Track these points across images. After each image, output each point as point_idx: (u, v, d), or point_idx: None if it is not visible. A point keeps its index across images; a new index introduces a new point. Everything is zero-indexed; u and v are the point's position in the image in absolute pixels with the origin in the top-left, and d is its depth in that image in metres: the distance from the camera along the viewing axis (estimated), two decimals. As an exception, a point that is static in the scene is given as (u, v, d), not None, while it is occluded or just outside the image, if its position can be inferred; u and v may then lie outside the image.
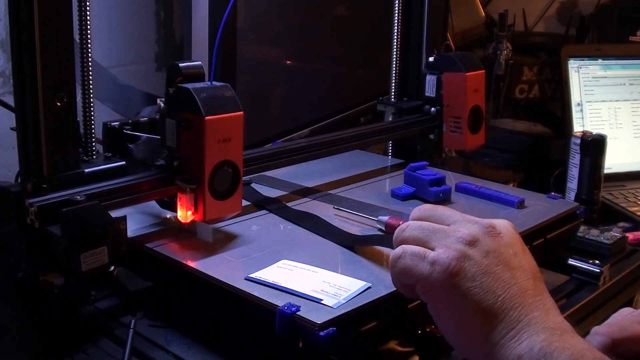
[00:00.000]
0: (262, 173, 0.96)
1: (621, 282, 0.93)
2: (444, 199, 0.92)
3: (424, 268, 0.56)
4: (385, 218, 0.80)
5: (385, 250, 0.75)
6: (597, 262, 0.91)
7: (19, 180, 0.73)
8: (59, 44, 0.70)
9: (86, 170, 0.75)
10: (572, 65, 1.38)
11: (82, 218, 0.66)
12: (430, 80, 1.14)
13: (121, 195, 0.74)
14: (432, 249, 0.58)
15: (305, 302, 0.62)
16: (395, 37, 1.17)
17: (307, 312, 0.61)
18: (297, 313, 0.60)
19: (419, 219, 0.62)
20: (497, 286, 0.55)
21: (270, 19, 1.39)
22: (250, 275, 0.68)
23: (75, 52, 0.72)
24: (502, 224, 0.60)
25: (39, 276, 0.68)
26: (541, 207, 0.91)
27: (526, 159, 1.50)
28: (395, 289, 0.66)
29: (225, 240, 0.78)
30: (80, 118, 0.77)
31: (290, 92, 1.48)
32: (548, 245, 0.86)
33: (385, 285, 0.67)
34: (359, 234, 0.80)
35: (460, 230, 0.58)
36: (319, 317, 0.60)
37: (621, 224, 1.14)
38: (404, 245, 0.59)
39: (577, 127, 1.35)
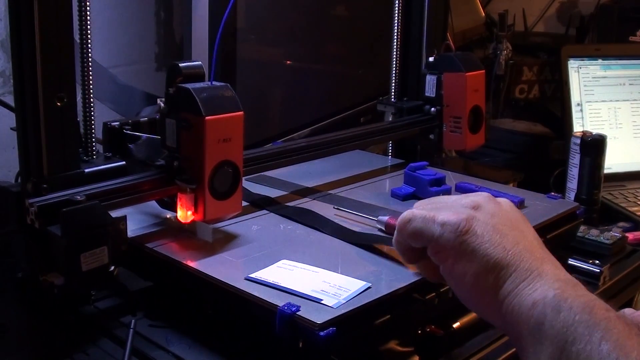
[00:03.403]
0: (262, 173, 0.96)
1: (621, 282, 0.93)
2: (444, 199, 0.92)
3: (435, 230, 0.59)
4: (385, 218, 0.80)
5: (385, 249, 0.75)
6: (597, 262, 0.91)
7: (19, 180, 0.73)
8: (59, 44, 0.70)
9: (86, 170, 0.75)
10: (572, 65, 1.38)
11: (82, 218, 0.66)
12: (430, 80, 1.14)
13: (121, 195, 0.74)
14: None
15: (305, 302, 0.62)
16: (395, 37, 1.17)
17: (307, 312, 0.61)
18: (297, 313, 0.60)
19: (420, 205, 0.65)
20: (505, 241, 0.57)
21: (270, 19, 1.39)
22: (250, 275, 0.68)
23: (75, 52, 0.72)
24: (502, 199, 0.65)
25: (39, 276, 0.68)
26: (541, 207, 0.91)
27: (526, 159, 1.49)
28: (395, 288, 0.66)
29: (225, 240, 0.78)
30: (80, 118, 0.77)
31: (290, 92, 1.48)
32: (548, 245, 0.85)
33: (385, 285, 0.67)
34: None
35: (463, 201, 0.62)
36: (319, 317, 0.60)
37: (621, 224, 1.13)
38: (413, 210, 0.63)
39: (577, 127, 1.34)
